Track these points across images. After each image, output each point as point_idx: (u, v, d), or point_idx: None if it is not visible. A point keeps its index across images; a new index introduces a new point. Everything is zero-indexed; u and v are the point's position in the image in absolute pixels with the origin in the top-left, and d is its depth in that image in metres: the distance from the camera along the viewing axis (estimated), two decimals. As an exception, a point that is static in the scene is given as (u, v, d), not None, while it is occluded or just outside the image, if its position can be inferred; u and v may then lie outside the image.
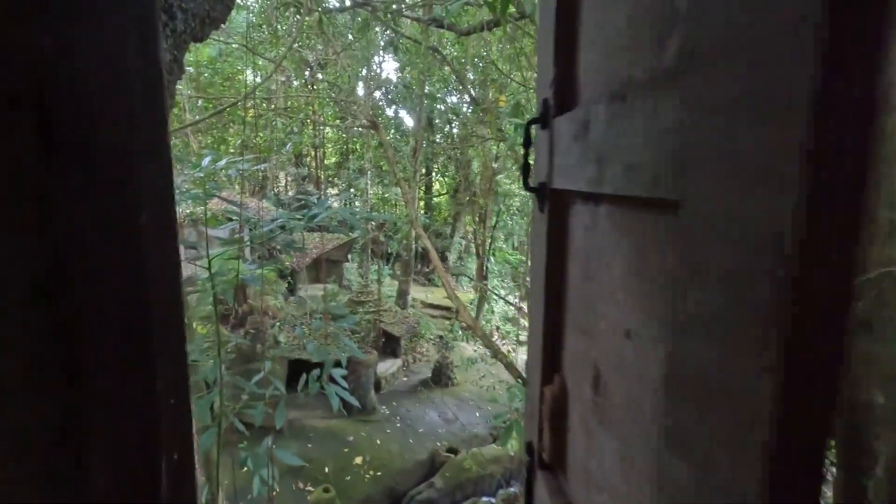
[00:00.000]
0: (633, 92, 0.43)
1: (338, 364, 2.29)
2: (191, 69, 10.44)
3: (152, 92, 0.43)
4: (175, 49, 1.07)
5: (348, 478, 9.14)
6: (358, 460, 9.56)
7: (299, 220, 2.16)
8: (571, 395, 0.67)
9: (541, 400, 0.75)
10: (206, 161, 1.87)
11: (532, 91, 5.94)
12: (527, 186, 0.76)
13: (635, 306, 0.47)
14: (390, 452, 9.99)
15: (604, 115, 0.50)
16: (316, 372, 2.26)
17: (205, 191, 1.88)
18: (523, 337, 11.66)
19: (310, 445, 9.54)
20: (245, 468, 2.37)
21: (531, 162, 0.82)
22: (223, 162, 1.88)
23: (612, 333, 0.54)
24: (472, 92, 9.16)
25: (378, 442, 10.10)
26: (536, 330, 0.78)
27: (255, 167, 3.08)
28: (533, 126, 0.79)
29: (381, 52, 9.70)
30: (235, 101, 5.41)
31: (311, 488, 8.44)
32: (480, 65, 8.53)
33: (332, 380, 2.27)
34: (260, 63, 10.07)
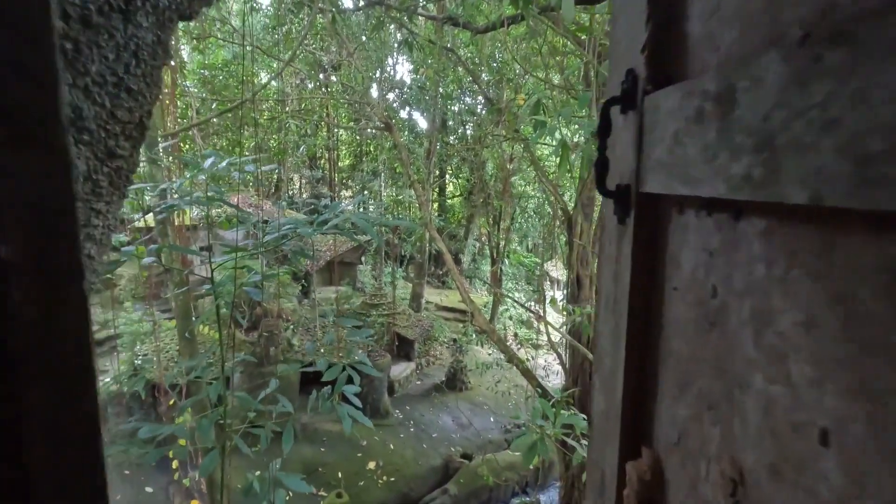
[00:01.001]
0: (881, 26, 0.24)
1: (350, 381, 2.12)
2: (205, 72, 10.45)
3: (31, 51, 0.24)
4: (158, 28, 0.90)
5: (361, 483, 9.03)
6: (371, 465, 9.43)
7: (309, 224, 1.99)
8: (674, 485, 0.48)
9: (620, 478, 0.55)
10: (207, 163, 1.72)
11: (554, 90, 5.70)
12: (602, 189, 0.56)
13: (846, 397, 0.28)
14: (404, 457, 9.87)
15: (779, 74, 0.30)
16: (327, 390, 2.09)
17: (206, 195, 1.72)
18: (539, 340, 11.42)
19: (323, 449, 9.46)
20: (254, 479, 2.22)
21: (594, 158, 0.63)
22: (225, 163, 1.72)
23: (774, 423, 0.34)
24: (487, 92, 8.97)
25: (391, 447, 9.96)
26: (610, 381, 0.58)
27: (266, 168, 2.94)
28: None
29: (394, 53, 9.59)
30: (241, 102, 5.30)
31: (323, 493, 8.34)
32: (496, 65, 8.35)
33: (344, 398, 2.10)
34: (274, 66, 10.05)
